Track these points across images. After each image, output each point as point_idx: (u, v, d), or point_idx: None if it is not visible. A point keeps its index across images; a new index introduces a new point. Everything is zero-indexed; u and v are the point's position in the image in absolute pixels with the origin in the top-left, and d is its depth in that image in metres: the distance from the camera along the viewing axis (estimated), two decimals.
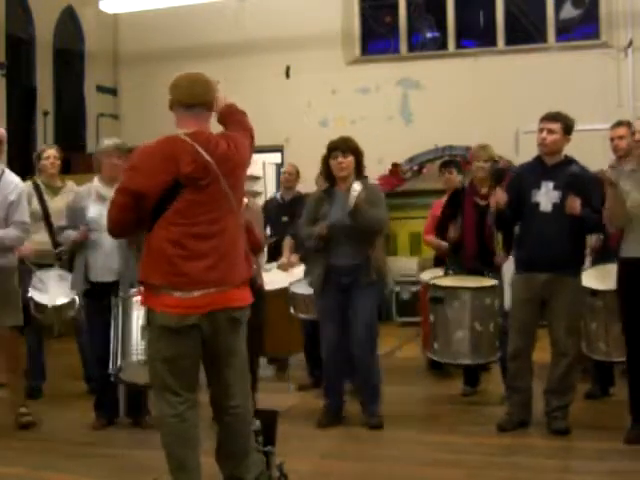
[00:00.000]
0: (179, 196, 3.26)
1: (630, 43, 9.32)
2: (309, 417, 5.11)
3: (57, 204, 5.88)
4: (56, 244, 5.80)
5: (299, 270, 6.07)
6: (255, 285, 3.56)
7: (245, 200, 5.15)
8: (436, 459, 4.39)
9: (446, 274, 5.57)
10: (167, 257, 3.27)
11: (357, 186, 4.79)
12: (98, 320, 4.84)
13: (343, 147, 4.93)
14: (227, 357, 3.38)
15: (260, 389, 5.10)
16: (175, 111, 3.41)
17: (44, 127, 9.76)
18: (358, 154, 4.97)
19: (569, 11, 10.09)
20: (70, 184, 6.18)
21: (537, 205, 4.76)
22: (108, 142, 5.06)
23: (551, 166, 4.81)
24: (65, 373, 6.39)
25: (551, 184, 4.74)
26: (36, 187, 5.91)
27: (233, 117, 3.53)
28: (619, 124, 5.37)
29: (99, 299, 4.85)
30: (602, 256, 5.35)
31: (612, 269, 5.00)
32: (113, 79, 11.24)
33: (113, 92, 11.22)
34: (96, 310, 4.90)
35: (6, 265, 4.99)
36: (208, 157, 3.26)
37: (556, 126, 4.76)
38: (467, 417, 5.22)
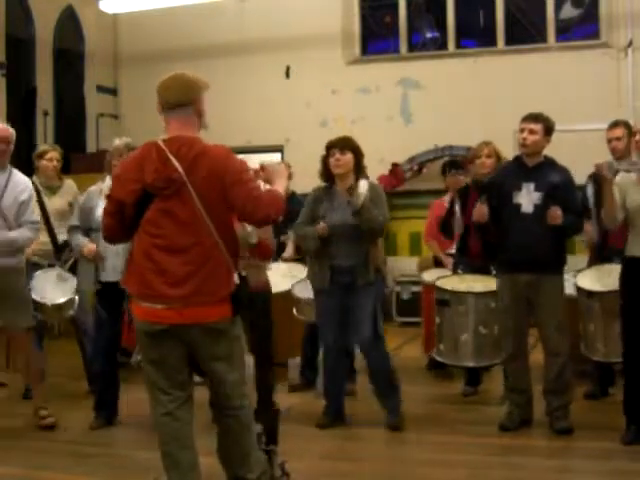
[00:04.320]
0: (151, 205, 3.26)
1: (630, 43, 9.30)
2: (309, 417, 5.11)
3: (55, 203, 5.88)
4: (56, 246, 5.79)
5: (300, 270, 6.03)
6: (245, 292, 3.42)
7: None
8: (436, 459, 4.40)
9: (454, 272, 5.56)
10: (139, 267, 3.30)
11: (364, 185, 4.79)
12: (109, 318, 4.97)
13: (341, 145, 4.90)
14: (214, 362, 3.34)
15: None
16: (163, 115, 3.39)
17: (44, 127, 9.74)
18: (357, 153, 4.93)
19: (569, 11, 10.06)
20: (68, 182, 6.18)
21: (518, 206, 4.73)
22: (119, 142, 5.05)
23: (532, 167, 4.78)
24: (65, 373, 6.38)
25: (532, 185, 4.71)
26: (34, 187, 5.90)
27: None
28: (615, 125, 5.30)
29: (110, 298, 4.92)
30: (601, 254, 5.33)
31: (610, 269, 4.99)
32: (113, 79, 11.22)
33: (113, 92, 11.20)
34: (107, 309, 5.00)
35: (17, 265, 4.99)
36: (177, 164, 3.22)
37: (537, 127, 4.72)
38: (467, 417, 5.22)
